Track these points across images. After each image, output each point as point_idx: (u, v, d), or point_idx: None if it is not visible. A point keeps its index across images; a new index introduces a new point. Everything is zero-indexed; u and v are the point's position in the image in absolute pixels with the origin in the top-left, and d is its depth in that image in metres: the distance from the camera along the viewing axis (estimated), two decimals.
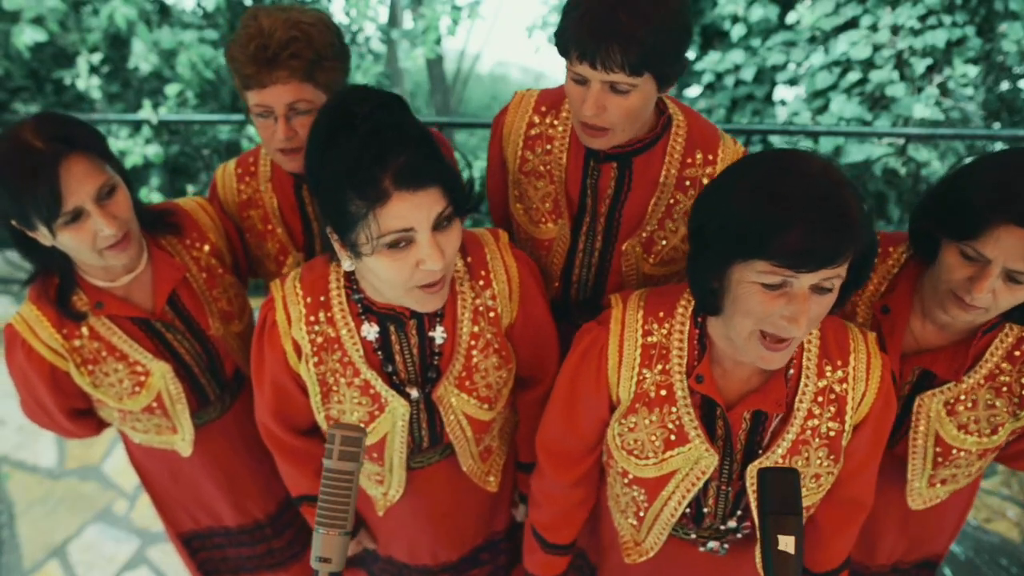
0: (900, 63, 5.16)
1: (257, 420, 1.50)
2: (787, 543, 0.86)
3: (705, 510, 1.32)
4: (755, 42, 5.76)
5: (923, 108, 4.94)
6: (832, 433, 1.20)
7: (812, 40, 5.50)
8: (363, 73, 5.96)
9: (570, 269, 1.60)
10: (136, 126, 4.53)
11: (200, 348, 1.60)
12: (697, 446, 1.22)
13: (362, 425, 1.29)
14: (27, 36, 4.51)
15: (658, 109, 1.44)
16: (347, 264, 1.19)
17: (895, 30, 5.08)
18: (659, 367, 1.22)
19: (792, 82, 5.74)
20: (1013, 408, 1.32)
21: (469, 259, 1.34)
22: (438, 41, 7.28)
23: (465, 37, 11.67)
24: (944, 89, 5.16)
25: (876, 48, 5.15)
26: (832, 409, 1.20)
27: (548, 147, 1.50)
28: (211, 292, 1.60)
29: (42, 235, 1.31)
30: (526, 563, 1.57)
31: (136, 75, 5.34)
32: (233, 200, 1.73)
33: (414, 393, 1.37)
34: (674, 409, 1.22)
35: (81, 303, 1.45)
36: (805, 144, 3.82)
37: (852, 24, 5.29)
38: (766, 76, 5.85)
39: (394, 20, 7.69)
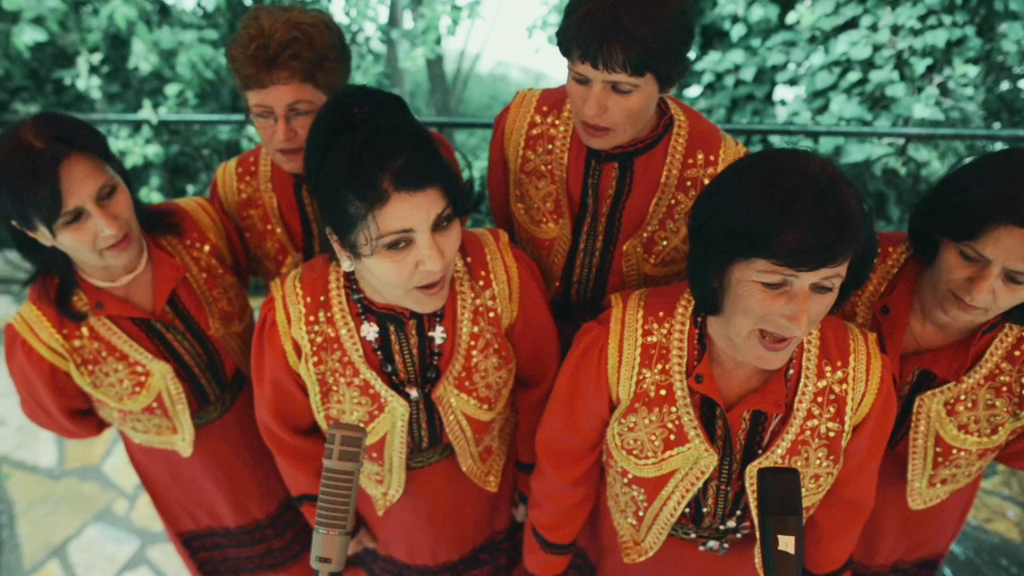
0: (900, 63, 5.16)
1: (257, 419, 1.50)
2: (787, 543, 0.86)
3: (704, 510, 1.32)
4: (755, 42, 5.75)
5: (923, 108, 4.94)
6: (832, 434, 1.20)
7: (812, 40, 5.49)
8: (363, 73, 5.97)
9: (571, 269, 1.60)
10: (136, 126, 4.53)
11: (200, 348, 1.60)
12: (696, 446, 1.22)
13: (362, 425, 1.29)
14: (27, 36, 4.51)
15: (660, 109, 1.44)
16: (346, 265, 1.19)
17: (895, 30, 5.08)
18: (659, 367, 1.22)
19: (792, 82, 5.74)
20: (1013, 408, 1.32)
21: (469, 259, 1.34)
22: (438, 41, 7.28)
23: (465, 37, 11.67)
24: (944, 89, 5.16)
25: (876, 48, 5.14)
26: (832, 410, 1.20)
27: (549, 147, 1.50)
28: (211, 292, 1.60)
29: (42, 235, 1.31)
30: (526, 562, 1.57)
31: (136, 75, 5.34)
32: (233, 199, 1.73)
33: (413, 393, 1.37)
34: (674, 409, 1.22)
35: (81, 303, 1.45)
36: (805, 144, 3.82)
37: (852, 24, 5.29)
38: (766, 76, 5.85)
39: (394, 20, 7.69)
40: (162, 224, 1.54)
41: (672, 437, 1.23)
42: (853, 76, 5.21)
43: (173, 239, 1.56)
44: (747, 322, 1.04)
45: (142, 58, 4.84)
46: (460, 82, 11.47)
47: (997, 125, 5.58)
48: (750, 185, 1.00)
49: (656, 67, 1.23)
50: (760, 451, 1.23)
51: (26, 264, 1.42)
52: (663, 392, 1.22)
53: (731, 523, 1.33)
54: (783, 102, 5.98)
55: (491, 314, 1.35)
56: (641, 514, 1.35)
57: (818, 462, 1.21)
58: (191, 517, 1.91)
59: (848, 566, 1.41)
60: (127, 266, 1.44)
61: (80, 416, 1.61)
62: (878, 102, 5.23)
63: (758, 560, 1.33)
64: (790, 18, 5.36)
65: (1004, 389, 1.31)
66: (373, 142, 1.04)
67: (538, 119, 1.51)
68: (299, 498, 1.59)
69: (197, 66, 4.90)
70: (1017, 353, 1.29)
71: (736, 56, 5.73)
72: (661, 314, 1.23)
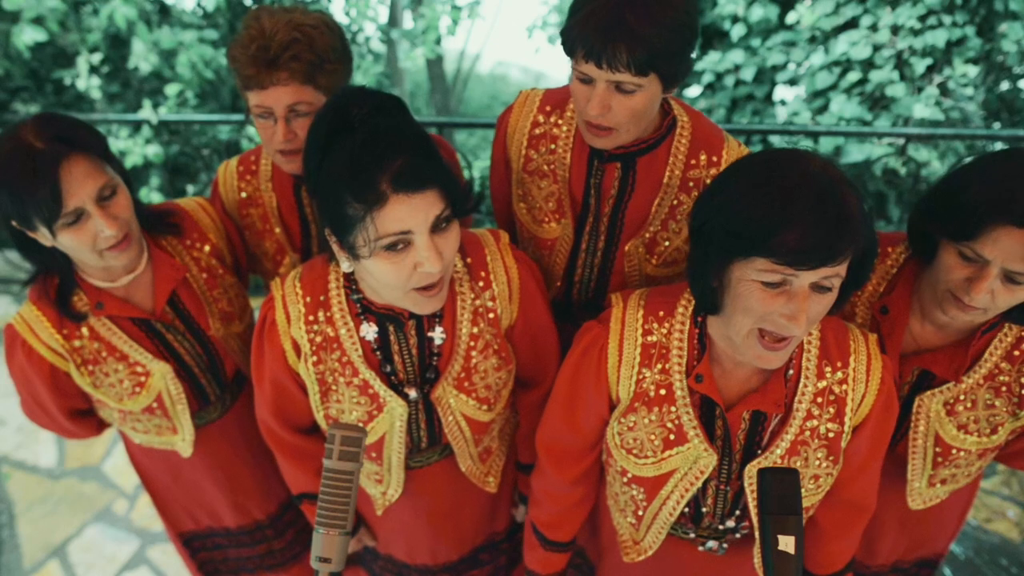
0: (900, 63, 5.16)
1: (257, 418, 1.50)
2: (787, 543, 0.86)
3: (704, 509, 1.32)
4: (755, 42, 5.75)
5: (923, 108, 4.94)
6: (831, 434, 1.20)
7: (812, 40, 5.49)
8: (363, 73, 5.97)
9: (573, 269, 1.60)
10: (136, 126, 4.53)
11: (200, 348, 1.60)
12: (696, 446, 1.22)
13: (361, 425, 1.29)
14: (27, 36, 4.50)
15: (663, 110, 1.45)
16: (345, 266, 1.19)
17: (895, 30, 5.08)
18: (659, 366, 1.22)
19: (792, 82, 5.74)
20: (1012, 408, 1.32)
21: (469, 260, 1.34)
22: (438, 41, 7.28)
23: (465, 37, 11.67)
24: (944, 89, 5.16)
25: (876, 48, 5.14)
26: (831, 410, 1.20)
27: (552, 146, 1.50)
28: (211, 292, 1.60)
29: (42, 236, 1.31)
30: (526, 560, 1.57)
31: (136, 75, 5.34)
32: (234, 198, 1.73)
33: (412, 394, 1.37)
34: (673, 408, 1.22)
35: (81, 303, 1.45)
36: (805, 144, 3.81)
37: (852, 24, 5.29)
38: (766, 76, 5.85)
39: (394, 20, 7.69)
40: (162, 224, 1.54)
41: (672, 437, 1.23)
42: (853, 76, 5.22)
43: (173, 239, 1.56)
44: (747, 321, 1.05)
45: (142, 58, 4.84)
46: (460, 82, 11.47)
47: (997, 125, 5.58)
48: (750, 185, 1.01)
49: (660, 67, 1.23)
50: (759, 451, 1.23)
51: (26, 264, 1.42)
52: (663, 392, 1.22)
53: (730, 523, 1.33)
54: (783, 102, 5.99)
55: (491, 315, 1.35)
56: (640, 513, 1.35)
57: (817, 463, 1.21)
58: (191, 517, 1.91)
59: (850, 567, 1.41)
60: (127, 266, 1.44)
61: (80, 416, 1.61)
62: (878, 102, 5.23)
63: (757, 560, 1.34)
64: (790, 18, 5.36)
65: (1003, 389, 1.31)
66: (372, 143, 1.04)
67: (541, 119, 1.51)
68: (299, 496, 1.59)
69: (197, 66, 4.90)
70: (1016, 353, 1.29)
71: (736, 56, 5.73)
72: (661, 314, 1.23)
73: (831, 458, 1.21)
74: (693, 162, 1.45)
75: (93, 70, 5.03)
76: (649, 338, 1.22)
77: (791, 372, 1.19)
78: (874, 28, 5.13)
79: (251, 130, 4.81)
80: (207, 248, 1.61)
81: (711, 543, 1.38)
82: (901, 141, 3.80)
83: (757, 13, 5.47)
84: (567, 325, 1.55)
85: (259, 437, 1.59)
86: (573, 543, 1.53)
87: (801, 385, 1.19)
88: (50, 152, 1.23)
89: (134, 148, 4.48)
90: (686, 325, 1.21)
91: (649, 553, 1.39)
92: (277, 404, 1.43)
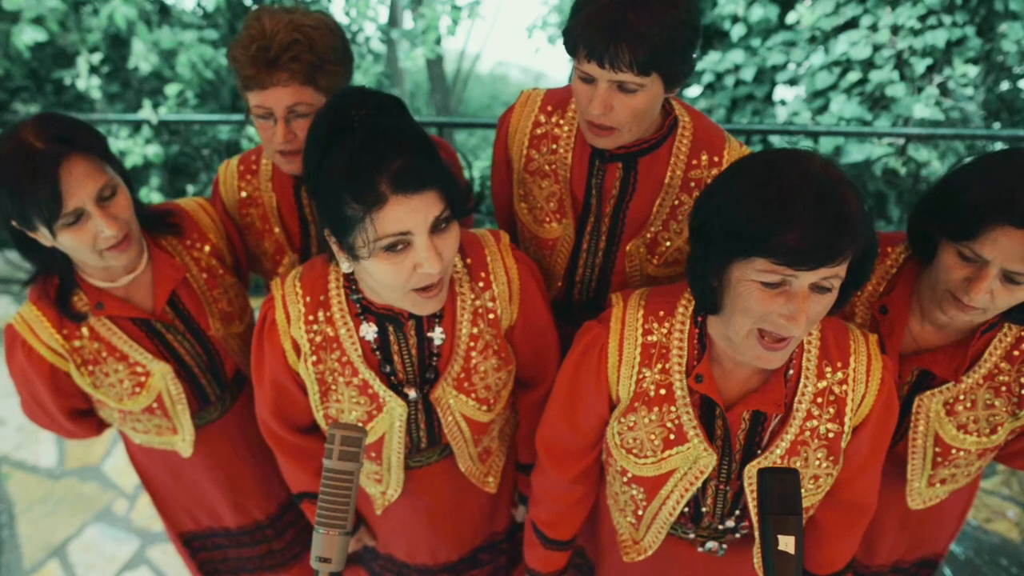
0: (900, 63, 5.16)
1: (258, 417, 1.50)
2: (787, 543, 0.86)
3: (703, 509, 1.32)
4: (755, 42, 5.75)
5: (923, 108, 4.94)
6: (831, 435, 1.20)
7: (812, 40, 5.49)
8: (363, 73, 5.97)
9: (574, 269, 1.60)
10: (136, 126, 4.53)
11: (200, 349, 1.60)
12: (696, 445, 1.22)
13: (361, 425, 1.29)
14: (27, 36, 4.50)
15: (664, 110, 1.45)
16: (345, 266, 1.19)
17: (895, 30, 5.08)
18: (659, 366, 1.22)
19: (792, 82, 5.74)
20: (1012, 408, 1.32)
21: (469, 260, 1.34)
22: (438, 41, 7.28)
23: (465, 37, 11.68)
24: (944, 89, 5.16)
25: (876, 48, 5.14)
26: (831, 410, 1.20)
27: (553, 146, 1.50)
28: (211, 293, 1.60)
29: (42, 236, 1.31)
30: (527, 558, 1.57)
31: (136, 75, 5.33)
32: (234, 197, 1.73)
33: (412, 394, 1.37)
34: (673, 408, 1.22)
35: (81, 303, 1.45)
36: (805, 144, 3.82)
37: (852, 24, 5.29)
38: (766, 76, 5.85)
39: (394, 20, 7.70)
40: (162, 224, 1.54)
41: (671, 436, 1.23)
42: (853, 76, 5.22)
43: (173, 239, 1.56)
44: (746, 321, 1.05)
45: (142, 58, 4.84)
46: (460, 82, 11.47)
47: (997, 125, 5.58)
48: (750, 185, 1.01)
49: (662, 67, 1.23)
50: (759, 451, 1.23)
51: (26, 264, 1.42)
52: (663, 391, 1.22)
53: (730, 523, 1.33)
54: (783, 102, 5.99)
55: (491, 315, 1.35)
56: (640, 513, 1.35)
57: (817, 463, 1.21)
58: (191, 517, 1.91)
59: (849, 567, 1.41)
60: (127, 266, 1.44)
61: (80, 416, 1.61)
62: (878, 102, 5.23)
63: (757, 560, 1.34)
64: (790, 18, 5.36)
65: (1003, 389, 1.31)
66: (371, 144, 1.04)
67: (542, 119, 1.51)
68: (299, 495, 1.59)
69: (197, 66, 4.90)
70: (1016, 353, 1.29)
71: (736, 56, 5.73)
72: (661, 313, 1.23)
73: (831, 458, 1.22)
74: (694, 162, 1.45)
75: (93, 70, 5.03)
76: (649, 338, 1.23)
77: (791, 372, 1.19)
78: (874, 28, 5.14)
79: (251, 130, 4.81)
80: (207, 248, 1.61)
81: (711, 545, 1.38)
82: (901, 141, 3.80)
83: (757, 13, 5.47)
84: (568, 325, 1.55)
85: (259, 437, 1.58)
86: (573, 541, 1.54)
87: (801, 385, 1.19)
88: (50, 152, 1.23)
89: (134, 148, 4.48)
90: (686, 325, 1.21)
91: (649, 553, 1.39)
92: (277, 404, 1.43)
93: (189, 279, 1.56)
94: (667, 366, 1.22)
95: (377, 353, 1.33)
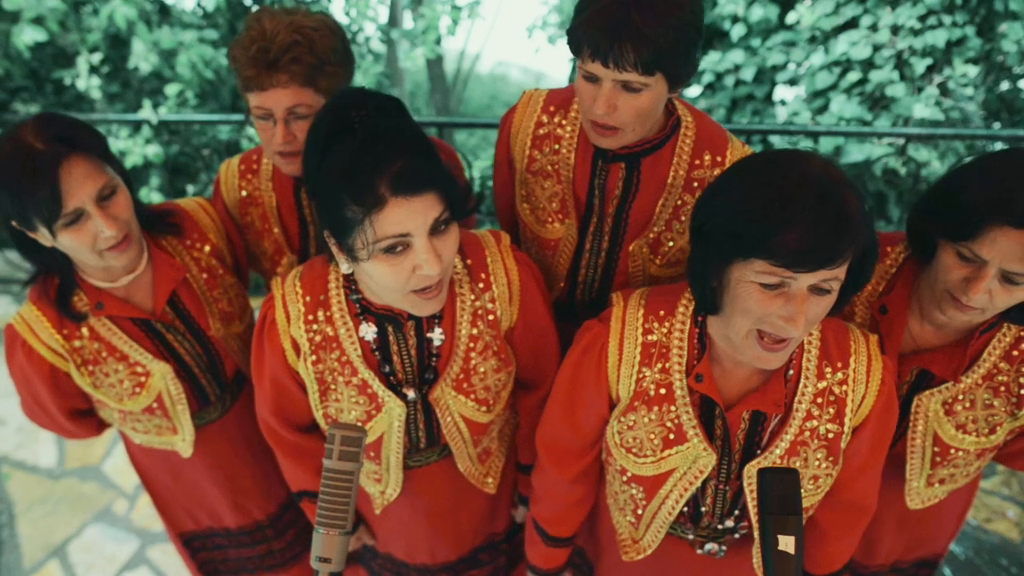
0: (900, 63, 5.16)
1: (258, 417, 1.50)
2: (787, 543, 0.86)
3: (703, 509, 1.32)
4: (755, 42, 5.75)
5: (923, 108, 4.94)
6: (831, 435, 1.20)
7: (812, 40, 5.49)
8: (363, 73, 5.97)
9: (576, 269, 1.60)
10: (136, 126, 4.53)
11: (200, 349, 1.60)
12: (695, 445, 1.22)
13: (361, 425, 1.30)
14: (27, 36, 4.50)
15: (667, 110, 1.45)
16: (344, 267, 1.19)
17: (895, 30, 5.08)
18: (659, 366, 1.22)
19: (792, 82, 5.74)
20: (1011, 408, 1.32)
21: (469, 261, 1.34)
22: (438, 41, 7.28)
23: (465, 37, 11.68)
24: (944, 89, 5.15)
25: (876, 48, 5.14)
26: (831, 411, 1.20)
27: (556, 147, 1.50)
28: (212, 293, 1.60)
29: (42, 236, 1.31)
30: (528, 555, 1.58)
31: (136, 75, 5.33)
32: (235, 197, 1.73)
33: (410, 394, 1.37)
34: (673, 408, 1.22)
35: (81, 304, 1.45)
36: (805, 144, 3.82)
37: (852, 24, 5.29)
38: (766, 76, 5.85)
39: (394, 20, 7.70)
40: (162, 224, 1.54)
41: (671, 436, 1.23)
42: (853, 76, 5.22)
43: (173, 239, 1.56)
44: (745, 322, 1.05)
45: (142, 58, 4.84)
46: (460, 82, 11.48)
47: (997, 125, 5.58)
48: (750, 185, 1.01)
49: (666, 66, 1.23)
50: (759, 451, 1.23)
51: (26, 264, 1.42)
52: (663, 391, 1.22)
53: (729, 523, 1.33)
54: (783, 102, 5.98)
55: (490, 316, 1.35)
56: (640, 512, 1.35)
57: (817, 463, 1.21)
58: (191, 517, 1.91)
59: (847, 568, 1.41)
60: (127, 266, 1.44)
61: (80, 416, 1.61)
62: (878, 102, 5.23)
63: (757, 560, 1.34)
64: (790, 18, 5.36)
65: (1002, 389, 1.31)
66: (370, 146, 1.04)
67: (545, 119, 1.51)
68: (299, 494, 1.59)
69: (197, 66, 4.90)
70: (1015, 353, 1.29)
71: (736, 56, 5.73)
72: (662, 313, 1.23)
73: (831, 459, 1.22)
74: (697, 162, 1.45)
75: (93, 70, 5.03)
76: (649, 337, 1.23)
77: (791, 372, 1.19)
78: (874, 28, 5.13)
79: (251, 130, 4.81)
80: (207, 248, 1.61)
81: (710, 546, 1.38)
82: (901, 141, 3.81)
83: (757, 13, 5.47)
84: (570, 325, 1.55)
85: (259, 437, 1.59)
86: (574, 538, 1.54)
87: (801, 385, 1.19)
88: (50, 152, 1.23)
89: (134, 148, 4.48)
90: (686, 325, 1.21)
91: (648, 552, 1.39)
92: (277, 403, 1.43)
93: (189, 279, 1.56)
94: (667, 365, 1.22)
95: (376, 353, 1.33)
